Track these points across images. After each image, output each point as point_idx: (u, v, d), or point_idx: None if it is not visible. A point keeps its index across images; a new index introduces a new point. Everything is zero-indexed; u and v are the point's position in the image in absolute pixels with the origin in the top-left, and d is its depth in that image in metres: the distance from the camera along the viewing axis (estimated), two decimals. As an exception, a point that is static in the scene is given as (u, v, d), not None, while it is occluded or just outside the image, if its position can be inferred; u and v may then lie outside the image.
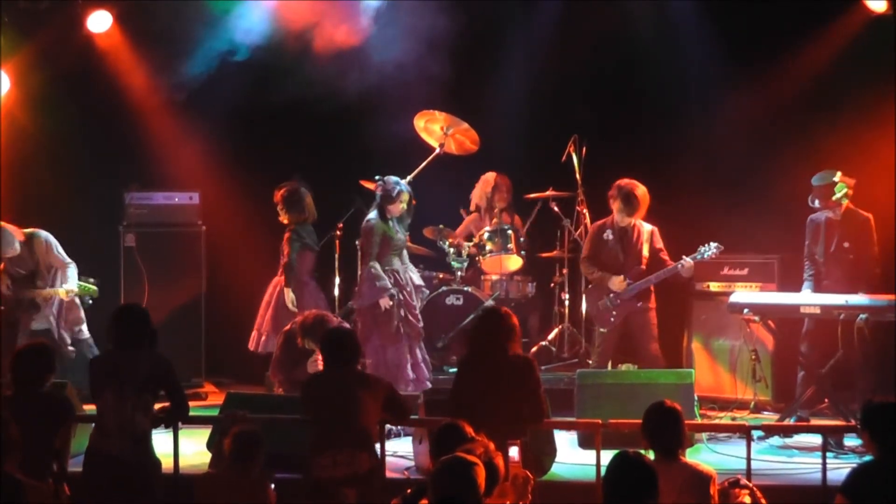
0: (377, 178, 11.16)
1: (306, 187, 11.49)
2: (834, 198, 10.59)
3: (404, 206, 11.18)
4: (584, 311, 12.20)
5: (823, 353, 10.65)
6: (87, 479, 7.82)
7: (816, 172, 10.88)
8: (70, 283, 11.10)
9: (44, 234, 11.14)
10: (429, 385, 11.04)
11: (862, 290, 10.42)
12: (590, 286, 11.44)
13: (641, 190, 10.98)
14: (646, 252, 11.12)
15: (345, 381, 7.97)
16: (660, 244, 11.19)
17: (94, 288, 11.39)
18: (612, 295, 11.13)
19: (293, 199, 11.39)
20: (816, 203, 10.73)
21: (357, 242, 11.54)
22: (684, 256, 10.99)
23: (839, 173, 10.59)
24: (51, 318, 11.06)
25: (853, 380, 10.58)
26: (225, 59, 12.32)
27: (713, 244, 10.99)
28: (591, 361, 11.60)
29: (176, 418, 8.23)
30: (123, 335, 7.93)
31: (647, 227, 11.18)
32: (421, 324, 11.26)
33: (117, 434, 7.70)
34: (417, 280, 11.47)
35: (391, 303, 10.90)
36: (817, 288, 10.77)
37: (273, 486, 7.51)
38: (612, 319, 11.15)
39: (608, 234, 11.18)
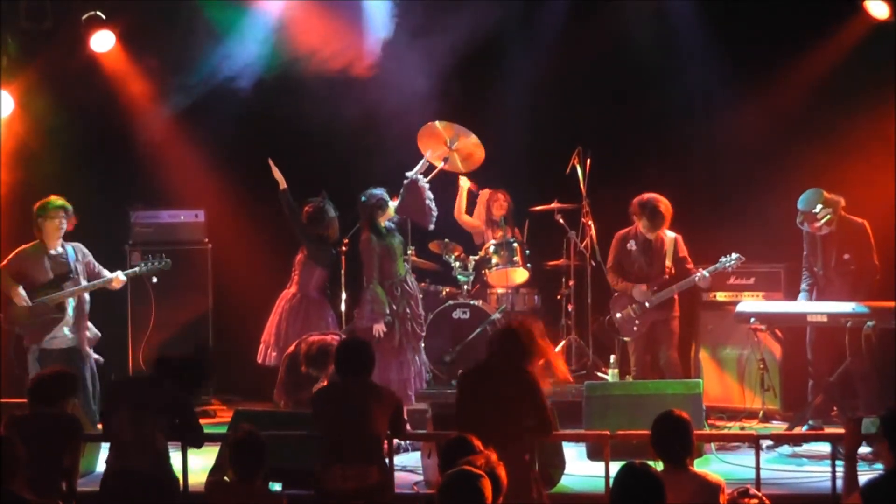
0: (362, 197, 11.15)
1: (332, 205, 11.51)
2: (817, 224, 10.62)
3: (391, 207, 11.20)
4: (590, 323, 12.28)
5: (830, 361, 10.65)
6: (106, 499, 7.81)
7: (821, 181, 10.92)
8: (115, 273, 11.13)
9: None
10: (423, 387, 11.25)
11: (862, 298, 10.43)
12: (615, 294, 11.46)
13: (665, 203, 11.00)
14: (668, 262, 11.15)
15: (357, 392, 8.00)
16: (684, 252, 11.23)
17: (167, 261, 11.38)
18: (635, 305, 11.16)
19: (316, 217, 11.41)
20: (805, 226, 10.75)
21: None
22: (701, 270, 11.03)
23: (822, 195, 10.58)
24: (70, 333, 10.99)
25: (862, 387, 10.58)
26: (229, 77, 12.33)
27: (734, 255, 11.02)
28: (614, 371, 11.60)
29: (190, 445, 8.26)
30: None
31: (670, 236, 11.21)
32: (424, 331, 11.33)
33: (136, 449, 7.70)
34: None
35: (384, 329, 10.90)
36: (820, 300, 10.75)
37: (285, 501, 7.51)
38: (636, 329, 11.20)
39: (631, 245, 11.22)
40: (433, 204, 11.43)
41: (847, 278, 10.73)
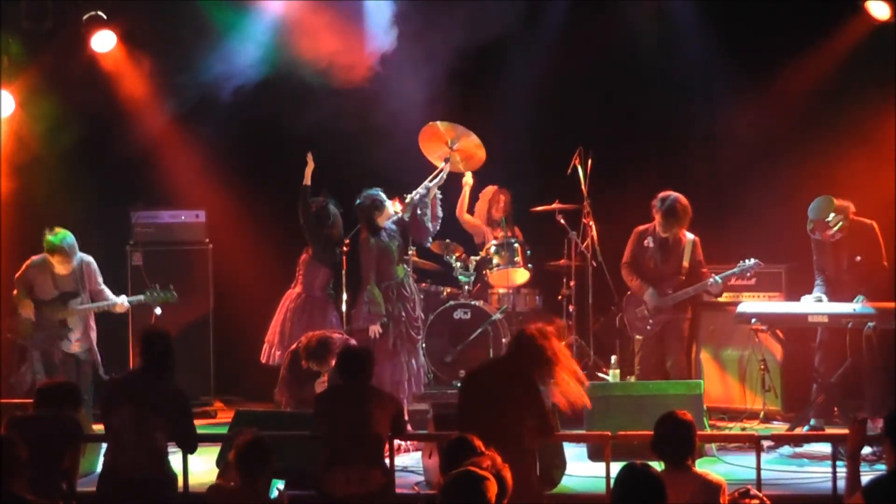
0: (357, 200, 11.16)
1: (335, 204, 11.51)
2: (830, 232, 10.60)
3: (389, 206, 11.19)
4: (591, 323, 12.28)
5: (835, 362, 10.63)
6: (103, 499, 7.81)
7: (822, 181, 10.96)
8: (120, 297, 11.17)
9: (90, 258, 11.21)
10: (422, 389, 11.24)
11: (870, 299, 10.42)
12: (628, 293, 11.42)
13: (683, 204, 10.95)
14: (686, 263, 11.11)
15: (358, 395, 8.05)
16: (700, 256, 11.16)
17: (174, 294, 11.49)
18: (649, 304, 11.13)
19: (320, 217, 11.41)
20: (816, 235, 10.72)
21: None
22: (714, 275, 10.99)
23: (833, 203, 10.56)
24: (82, 341, 11.04)
25: (863, 388, 10.58)
26: (230, 77, 12.32)
27: (751, 260, 10.98)
28: (615, 372, 11.56)
29: (183, 449, 8.24)
30: (150, 359, 8.01)
31: (689, 237, 11.15)
32: (421, 335, 11.30)
33: (135, 449, 7.70)
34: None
35: (380, 331, 10.90)
36: (833, 300, 10.73)
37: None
38: (649, 328, 11.16)
39: (649, 241, 11.17)
40: (435, 223, 11.41)
41: (860, 280, 10.69)
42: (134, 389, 7.95)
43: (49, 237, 10.90)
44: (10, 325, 11.06)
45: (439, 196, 11.40)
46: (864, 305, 10.33)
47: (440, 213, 11.40)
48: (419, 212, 11.21)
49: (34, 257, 11.07)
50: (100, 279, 11.15)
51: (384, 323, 10.91)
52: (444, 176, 11.54)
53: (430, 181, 11.32)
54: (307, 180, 11.44)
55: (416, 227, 11.30)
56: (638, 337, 11.40)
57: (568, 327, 12.64)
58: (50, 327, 10.92)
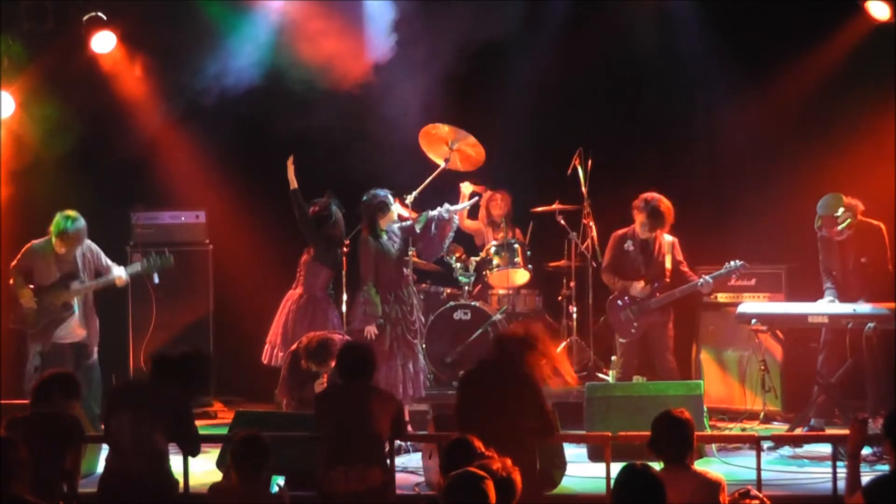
0: (364, 196, 11.15)
1: (338, 205, 11.50)
2: (839, 228, 10.56)
3: (394, 210, 11.19)
4: (591, 324, 12.26)
5: (838, 363, 10.62)
6: (102, 501, 7.80)
7: (822, 181, 10.94)
8: (118, 270, 11.19)
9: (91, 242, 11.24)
10: (422, 393, 11.14)
11: (873, 298, 10.41)
12: (612, 297, 11.43)
13: (666, 205, 10.99)
14: (668, 264, 11.13)
15: (359, 394, 8.04)
16: (680, 256, 11.21)
17: (169, 258, 11.48)
18: (633, 307, 11.14)
19: (323, 217, 11.40)
20: (823, 231, 10.70)
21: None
22: (704, 276, 11.02)
23: (842, 199, 10.54)
24: (79, 328, 11.05)
25: (863, 388, 10.57)
26: (231, 78, 12.32)
27: (738, 262, 10.98)
28: (613, 372, 11.55)
29: (186, 453, 8.22)
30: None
31: (668, 239, 11.20)
32: (417, 340, 11.20)
33: (134, 453, 7.69)
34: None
35: (376, 332, 10.88)
36: (840, 300, 10.71)
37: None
38: (634, 331, 11.19)
39: (629, 245, 11.21)
40: (447, 243, 11.47)
41: (865, 280, 10.67)
42: (133, 395, 7.93)
43: (60, 219, 10.89)
44: (14, 316, 11.07)
45: (456, 220, 11.42)
46: (868, 305, 10.32)
47: (452, 236, 11.42)
48: (433, 230, 11.23)
49: (34, 242, 11.11)
50: (104, 259, 11.19)
51: (381, 325, 10.89)
52: (469, 205, 11.68)
53: (453, 206, 11.40)
54: (293, 183, 11.39)
55: (428, 243, 11.32)
56: (621, 340, 11.41)
57: (568, 328, 12.67)
58: (52, 311, 10.93)
